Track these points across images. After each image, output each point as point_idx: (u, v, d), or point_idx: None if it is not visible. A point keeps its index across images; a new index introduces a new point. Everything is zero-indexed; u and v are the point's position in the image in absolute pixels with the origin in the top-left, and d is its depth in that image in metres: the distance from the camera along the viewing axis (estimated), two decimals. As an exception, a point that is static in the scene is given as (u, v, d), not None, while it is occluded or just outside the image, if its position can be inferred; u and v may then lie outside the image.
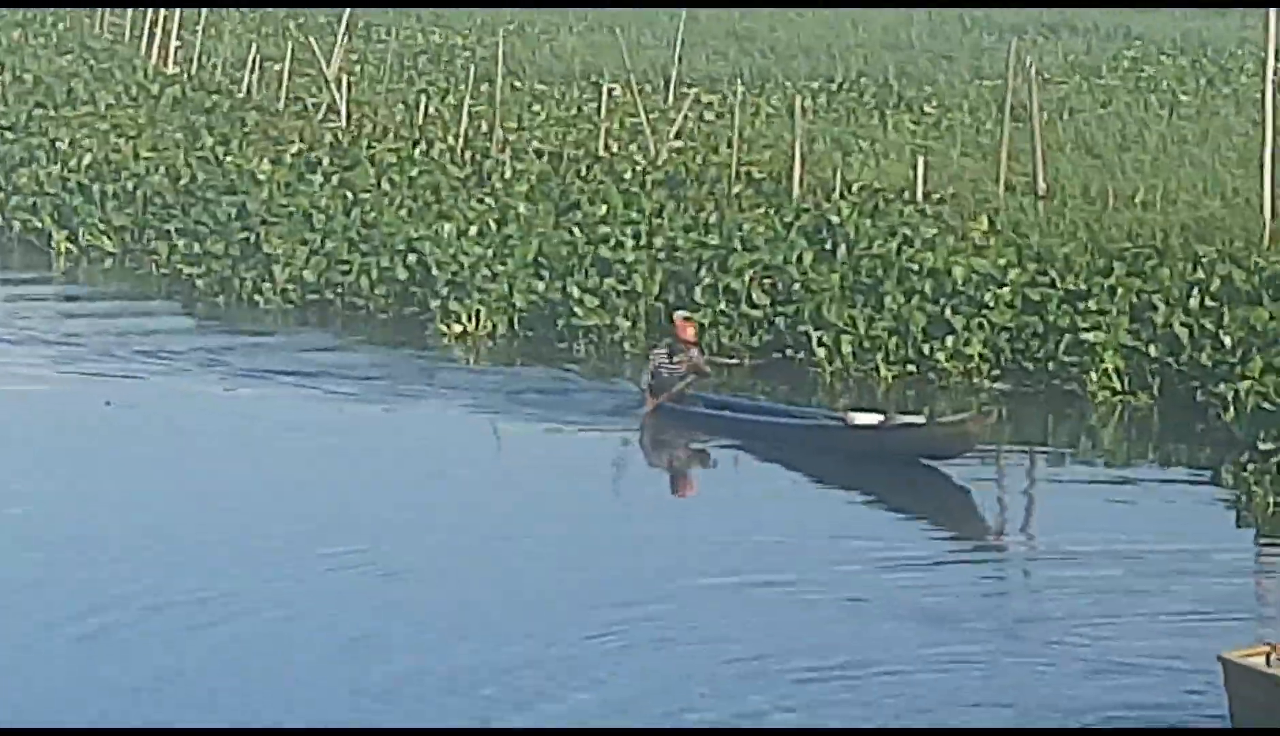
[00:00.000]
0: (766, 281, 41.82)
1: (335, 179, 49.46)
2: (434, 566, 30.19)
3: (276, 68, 60.36)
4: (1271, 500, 31.03)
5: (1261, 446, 32.95)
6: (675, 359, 37.30)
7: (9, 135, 55.85)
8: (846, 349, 39.63)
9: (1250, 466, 32.31)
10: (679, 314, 39.40)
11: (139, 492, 33.84)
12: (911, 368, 39.56)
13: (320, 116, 56.04)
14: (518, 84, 59.29)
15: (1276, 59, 44.98)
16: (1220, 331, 37.33)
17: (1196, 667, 25.48)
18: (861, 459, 34.37)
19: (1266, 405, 34.39)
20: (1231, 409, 34.87)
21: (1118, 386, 38.25)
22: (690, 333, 38.05)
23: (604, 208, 46.03)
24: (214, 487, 34.29)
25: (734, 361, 40.13)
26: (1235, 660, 23.15)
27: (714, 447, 36.55)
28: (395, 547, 31.71)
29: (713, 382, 38.58)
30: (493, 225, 45.58)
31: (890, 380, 39.82)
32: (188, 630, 27.14)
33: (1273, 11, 44.57)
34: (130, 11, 71.33)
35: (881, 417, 35.01)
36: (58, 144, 53.51)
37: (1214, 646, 24.33)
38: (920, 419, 35.45)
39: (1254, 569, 30.22)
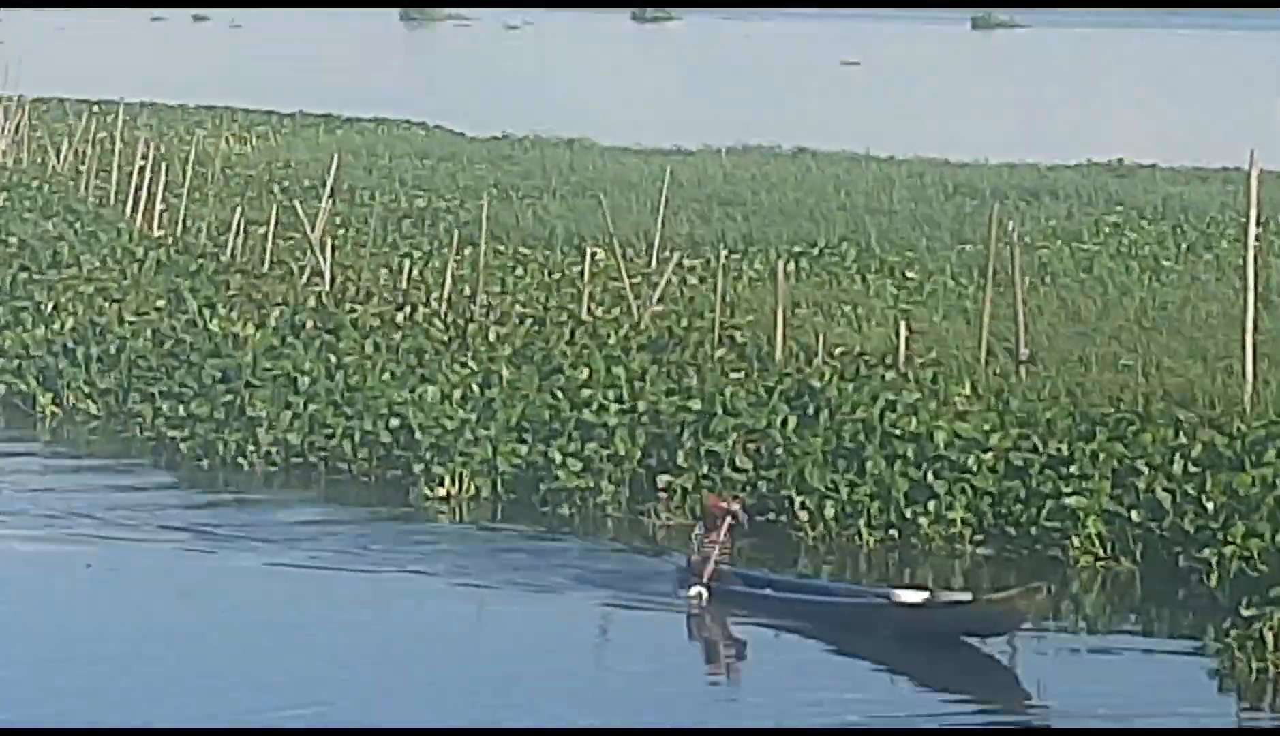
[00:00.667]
0: (750, 446, 41.49)
1: (319, 342, 49.58)
2: None
3: (261, 231, 60.45)
4: (1254, 666, 30.78)
5: (1244, 612, 32.40)
6: (710, 535, 35.73)
7: None
8: (830, 513, 38.94)
9: (1233, 632, 31.84)
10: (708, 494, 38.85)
11: (102, 651, 32.93)
12: (894, 532, 38.93)
13: (304, 279, 56.23)
14: (501, 248, 59.66)
15: (1257, 224, 45.35)
16: (1203, 496, 36.92)
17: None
18: (905, 638, 33.05)
19: (1249, 570, 34.21)
20: (1215, 574, 34.62)
21: (1100, 552, 37.69)
22: (722, 506, 36.40)
23: (586, 371, 45.90)
24: (179, 650, 33.56)
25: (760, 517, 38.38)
26: None
27: (753, 626, 34.58)
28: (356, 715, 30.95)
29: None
30: (476, 389, 45.40)
31: (873, 545, 38.85)
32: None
33: (1254, 177, 44.93)
34: (115, 175, 71.39)
35: (926, 594, 34.19)
36: (42, 307, 53.65)
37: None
38: (966, 596, 34.18)
39: (1235, 737, 30.37)
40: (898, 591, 33.84)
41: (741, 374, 45.75)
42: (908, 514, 38.89)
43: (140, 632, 34.54)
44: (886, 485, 39.47)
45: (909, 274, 56.32)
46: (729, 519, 35.73)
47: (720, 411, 42.28)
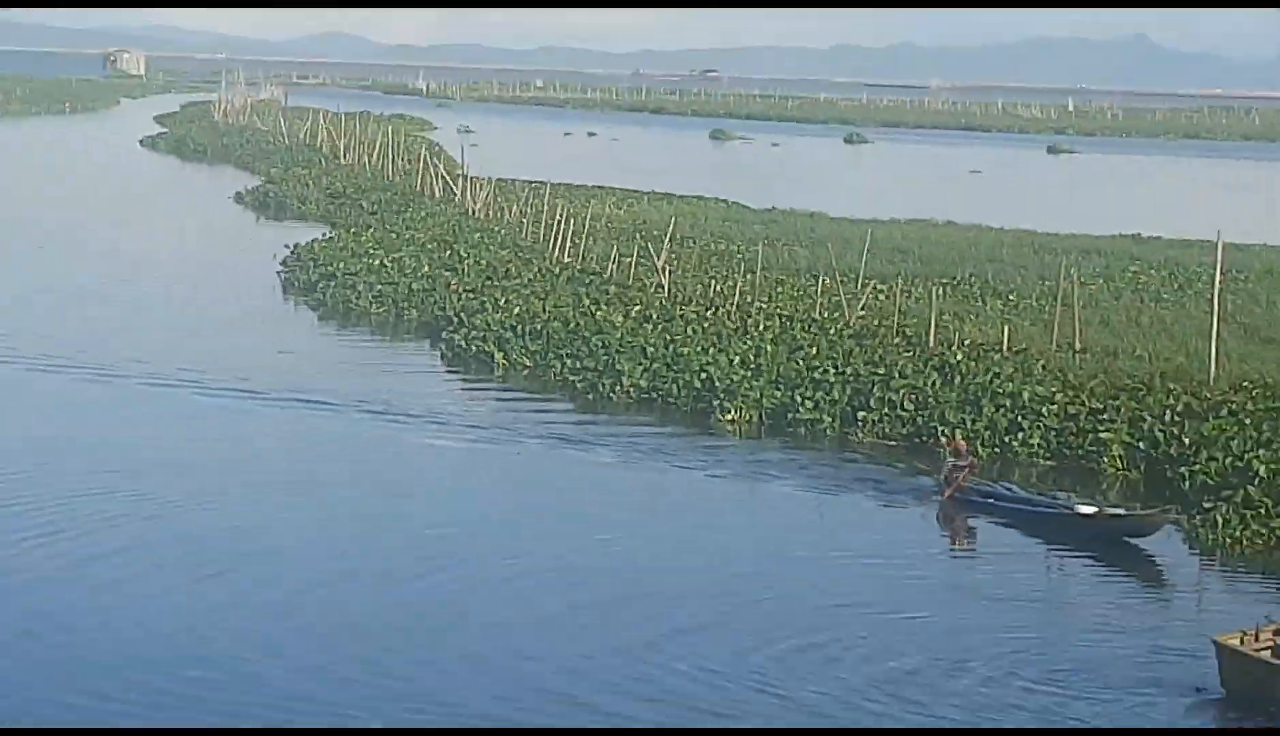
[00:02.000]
0: (912, 396, 43.32)
1: (660, 327, 50.27)
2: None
3: (627, 260, 60.54)
4: (1210, 537, 33.70)
5: (1205, 506, 35.38)
6: (958, 464, 37.28)
7: (469, 295, 56.78)
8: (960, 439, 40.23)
9: (1197, 517, 34.83)
10: (956, 435, 40.13)
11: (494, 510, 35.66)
12: (997, 450, 41.03)
13: (652, 290, 56.65)
14: (768, 275, 58.97)
15: (1222, 273, 47.37)
16: (1182, 436, 39.40)
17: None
18: (1083, 537, 34.36)
19: (1209, 481, 36.64)
20: (1188, 483, 37.24)
21: (1120, 466, 40.19)
22: (963, 446, 38.55)
23: (816, 349, 47.17)
24: (557, 508, 36.31)
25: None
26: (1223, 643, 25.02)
27: (983, 524, 36.04)
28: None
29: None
30: (751, 357, 46.51)
31: (985, 458, 40.34)
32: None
33: (1220, 246, 47.03)
34: (542, 225, 71.04)
35: (1095, 509, 35.35)
36: (499, 301, 54.05)
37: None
38: (1123, 510, 35.72)
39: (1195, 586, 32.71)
40: (1079, 505, 35.44)
41: (910, 353, 47.01)
42: (1006, 439, 41.40)
43: (529, 499, 37.34)
44: (993, 422, 41.88)
45: (1010, 297, 57.08)
46: (971, 458, 37.92)
47: (896, 376, 44.28)
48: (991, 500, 36.72)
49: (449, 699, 24.41)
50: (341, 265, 65.12)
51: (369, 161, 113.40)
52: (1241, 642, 25.00)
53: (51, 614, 26.88)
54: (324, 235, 77.06)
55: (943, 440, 40.47)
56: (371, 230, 76.98)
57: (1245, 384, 43.32)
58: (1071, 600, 31.38)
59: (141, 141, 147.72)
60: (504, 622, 28.05)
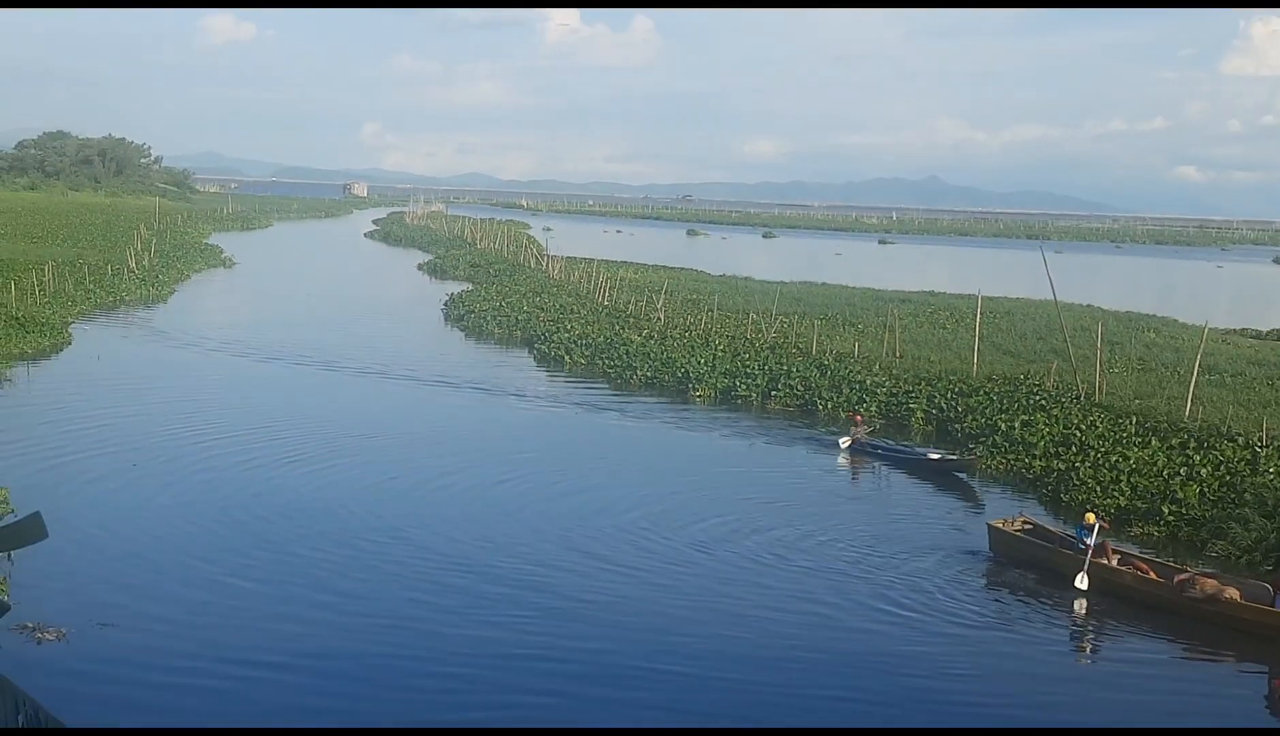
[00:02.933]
0: (802, 382, 42.96)
1: (658, 341, 50.93)
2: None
3: (640, 303, 59.95)
4: (980, 466, 33.92)
5: (970, 446, 36.03)
6: (855, 427, 36.72)
7: (550, 323, 56.51)
8: (822, 410, 40.95)
9: (968, 452, 35.17)
10: (860, 411, 39.76)
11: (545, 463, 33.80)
12: (844, 414, 39.67)
13: (654, 321, 55.55)
14: (721, 312, 58.26)
15: (980, 312, 48.70)
16: (960, 406, 40.03)
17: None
18: (929, 473, 33.59)
19: (970, 431, 37.35)
20: (960, 431, 38.03)
21: (921, 424, 40.26)
22: (860, 418, 37.79)
23: (747, 355, 46.82)
24: (598, 465, 34.09)
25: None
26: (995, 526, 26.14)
27: (866, 464, 34.76)
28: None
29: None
30: (711, 359, 46.35)
31: (827, 413, 39.99)
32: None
33: (979, 296, 48.87)
34: (591, 280, 70.89)
35: (939, 455, 34.77)
36: (566, 326, 55.39)
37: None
38: (955, 456, 34.67)
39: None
40: (930, 453, 34.95)
41: (801, 358, 46.89)
42: (855, 408, 40.84)
43: (578, 439, 36.99)
44: (848, 398, 42.16)
45: (858, 326, 56.16)
46: (864, 425, 37.39)
47: (793, 371, 44.74)
48: (872, 448, 35.82)
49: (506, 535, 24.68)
50: (477, 305, 65.81)
51: (492, 246, 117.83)
52: (1002, 525, 26.50)
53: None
54: (468, 288, 78.49)
55: (844, 414, 39.80)
56: (494, 285, 78.59)
57: (993, 376, 43.03)
58: (904, 504, 30.66)
59: (365, 234, 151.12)
60: (571, 507, 28.00)
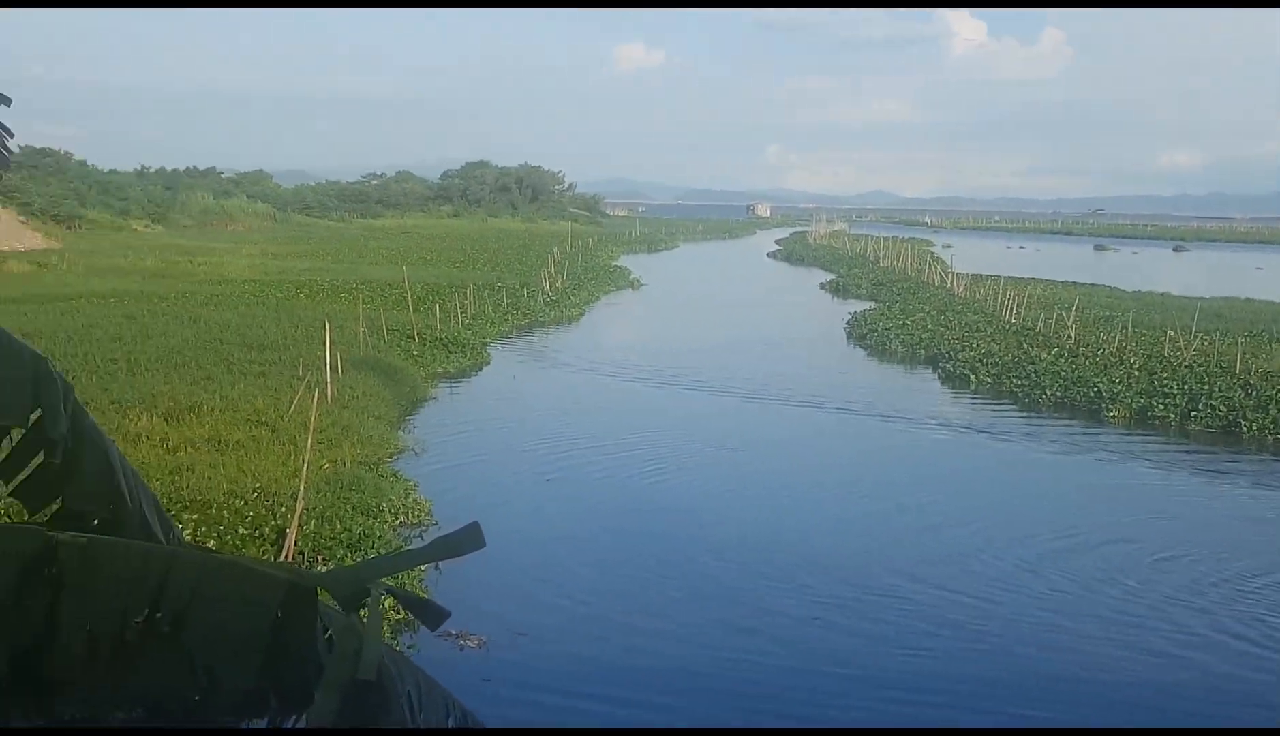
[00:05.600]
0: (1225, 402, 41.19)
1: (1068, 359, 49.88)
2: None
3: (1048, 320, 58.67)
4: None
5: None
6: None
7: (954, 341, 56.19)
8: None
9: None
10: None
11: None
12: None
13: (1063, 338, 54.52)
14: (1136, 330, 56.54)
15: None
16: None
17: None
18: None
19: None
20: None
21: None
22: None
23: (1165, 374, 45.08)
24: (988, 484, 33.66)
25: None
26: None
27: None
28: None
29: None
30: (1125, 378, 45.17)
31: None
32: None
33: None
34: (996, 298, 70.70)
35: None
36: (972, 344, 54.94)
37: None
38: None
39: None
40: None
41: (1223, 377, 44.86)
42: (1277, 428, 39.86)
43: (988, 465, 35.82)
44: (1275, 418, 39.98)
45: None
46: None
47: (1214, 390, 42.06)
48: None
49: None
50: (880, 324, 65.82)
51: (895, 264, 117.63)
52: None
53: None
54: (870, 307, 78.65)
55: (1272, 437, 38.32)
56: (898, 303, 78.98)
57: None
58: None
59: (768, 254, 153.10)
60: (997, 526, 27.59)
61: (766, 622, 21.24)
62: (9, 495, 6.61)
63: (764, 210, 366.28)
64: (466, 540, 4.43)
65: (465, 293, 65.46)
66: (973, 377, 50.31)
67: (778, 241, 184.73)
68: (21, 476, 6.62)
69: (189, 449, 28.90)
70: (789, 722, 16.69)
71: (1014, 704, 17.68)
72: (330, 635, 4.81)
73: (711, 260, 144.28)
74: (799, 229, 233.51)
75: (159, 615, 4.50)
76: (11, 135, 6.83)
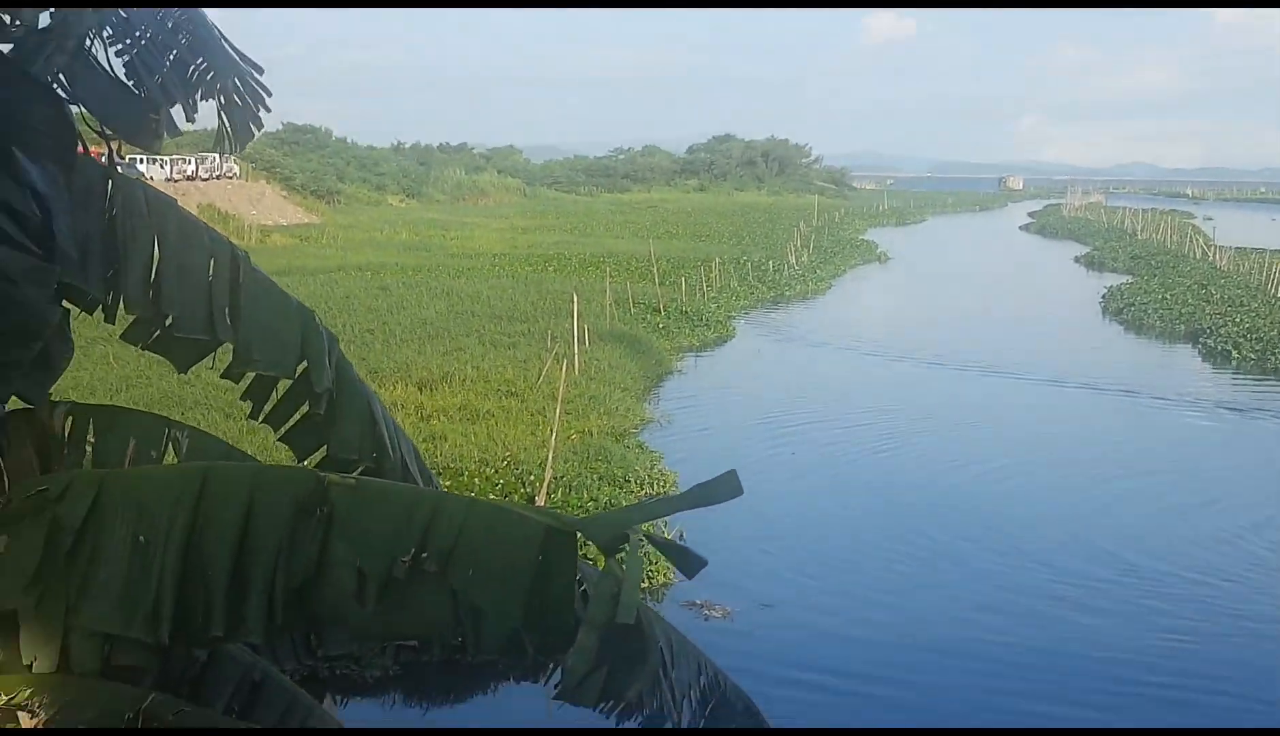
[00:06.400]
0: None
1: None
2: None
3: None
4: None
5: None
6: None
7: (1215, 315, 54.73)
8: None
9: None
10: None
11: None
12: None
13: None
14: None
15: None
16: None
17: None
18: None
19: None
20: None
21: None
22: None
23: None
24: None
25: None
26: None
27: None
28: None
29: None
30: None
31: None
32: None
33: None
34: (1262, 271, 68.15)
35: None
36: (1235, 318, 53.00)
37: None
38: None
39: None
40: None
41: None
42: None
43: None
44: None
45: None
46: None
47: None
48: None
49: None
50: (1137, 298, 64.20)
51: (1154, 237, 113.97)
52: None
53: None
54: (1126, 281, 76.65)
55: None
56: (1156, 277, 76.63)
57: None
58: None
59: (1019, 227, 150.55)
60: None
61: (1007, 601, 20.95)
62: (278, 440, 6.94)
63: (1016, 183, 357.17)
64: (724, 487, 4.46)
65: (710, 266, 65.85)
66: (1235, 353, 48.73)
67: (1030, 214, 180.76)
68: (289, 424, 6.94)
69: (442, 417, 29.99)
70: (1032, 703, 16.49)
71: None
72: (584, 587, 4.87)
73: (961, 234, 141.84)
74: (1053, 202, 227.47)
75: (425, 555, 4.63)
76: (269, 95, 7.14)
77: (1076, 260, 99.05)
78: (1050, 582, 21.54)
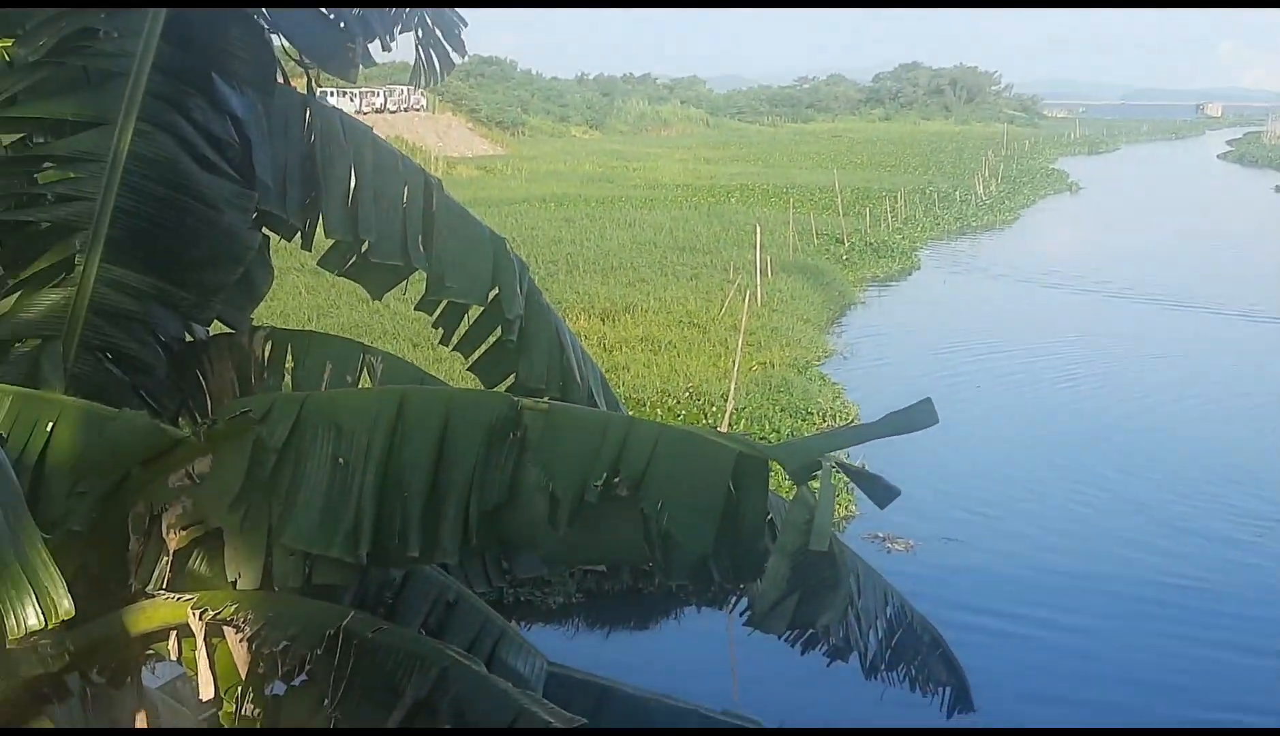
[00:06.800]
0: None
1: None
2: None
3: None
4: None
5: None
6: None
7: None
8: None
9: None
10: None
11: None
12: None
13: None
14: None
15: None
16: None
17: None
18: None
19: None
20: None
21: None
22: None
23: None
24: None
25: None
26: None
27: None
28: None
29: None
30: None
31: None
32: None
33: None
34: None
35: None
36: None
37: None
38: None
39: None
40: None
41: None
42: None
43: None
44: None
45: None
46: None
47: None
48: None
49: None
50: None
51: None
52: None
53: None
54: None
55: None
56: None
57: None
58: None
59: (1217, 156, 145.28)
60: None
61: (1186, 544, 20.38)
62: (468, 369, 7.05)
63: (1214, 110, 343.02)
64: (920, 415, 4.45)
65: (896, 197, 65.07)
66: None
67: (1229, 143, 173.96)
68: (480, 352, 7.05)
69: (624, 348, 30.33)
70: (1204, 649, 16.27)
71: None
72: (769, 516, 4.86)
73: (1155, 163, 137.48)
74: (1252, 129, 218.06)
75: (617, 480, 4.65)
76: (466, 26, 7.21)
77: (1277, 189, 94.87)
78: (1232, 528, 21.07)
